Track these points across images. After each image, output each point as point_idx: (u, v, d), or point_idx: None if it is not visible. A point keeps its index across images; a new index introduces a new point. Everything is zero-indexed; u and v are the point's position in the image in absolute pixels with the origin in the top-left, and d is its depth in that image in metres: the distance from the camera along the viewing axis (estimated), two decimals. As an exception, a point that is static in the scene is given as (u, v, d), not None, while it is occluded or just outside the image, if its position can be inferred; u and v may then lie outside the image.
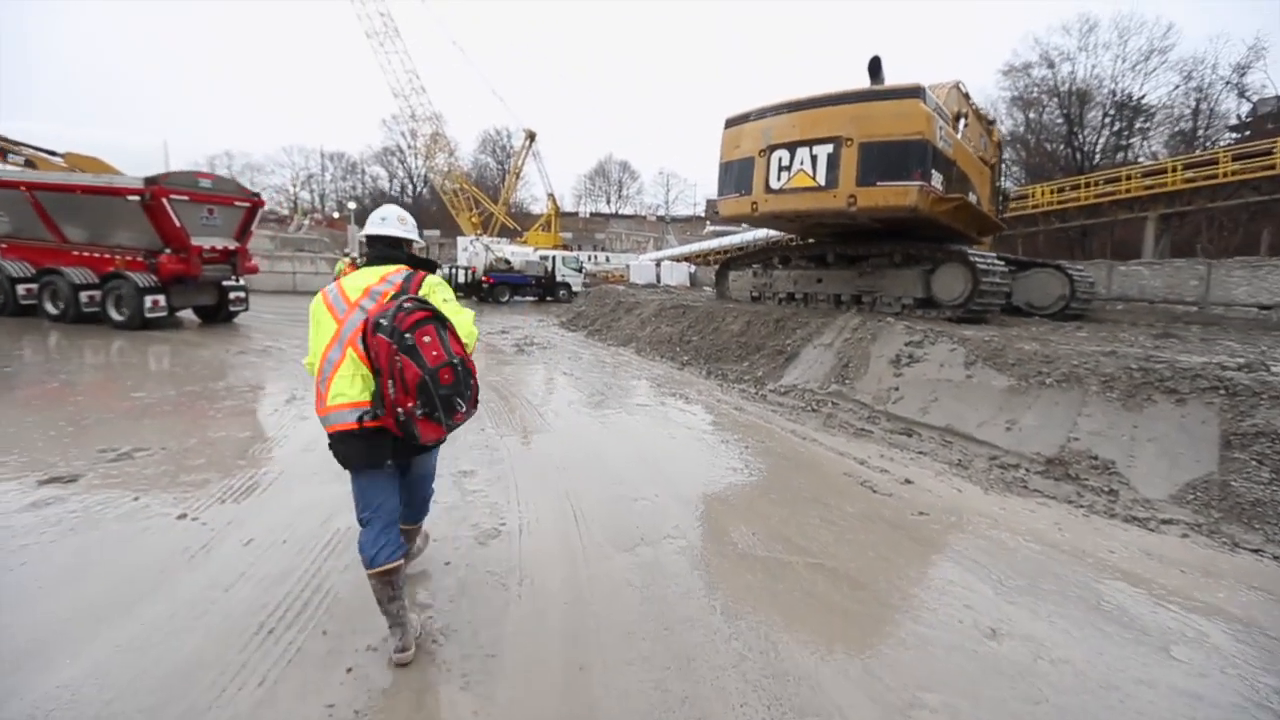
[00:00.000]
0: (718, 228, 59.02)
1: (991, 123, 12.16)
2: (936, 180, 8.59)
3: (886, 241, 10.49)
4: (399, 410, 2.12)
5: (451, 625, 2.55)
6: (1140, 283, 13.26)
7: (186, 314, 14.00)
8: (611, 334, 13.65)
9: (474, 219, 49.34)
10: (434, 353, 2.16)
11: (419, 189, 76.22)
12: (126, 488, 3.94)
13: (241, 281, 14.24)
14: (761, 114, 9.93)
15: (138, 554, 3.09)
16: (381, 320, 2.14)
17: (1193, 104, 36.63)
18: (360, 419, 2.21)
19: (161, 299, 12.06)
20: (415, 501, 2.86)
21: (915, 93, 8.53)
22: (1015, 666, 2.43)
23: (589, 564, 3.15)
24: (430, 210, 69.22)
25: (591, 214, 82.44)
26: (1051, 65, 38.42)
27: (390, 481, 2.45)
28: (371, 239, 2.63)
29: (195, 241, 12.29)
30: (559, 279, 28.32)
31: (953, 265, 9.50)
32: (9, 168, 13.38)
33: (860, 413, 6.63)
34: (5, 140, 13.86)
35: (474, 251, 27.36)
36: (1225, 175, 22.11)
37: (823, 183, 9.09)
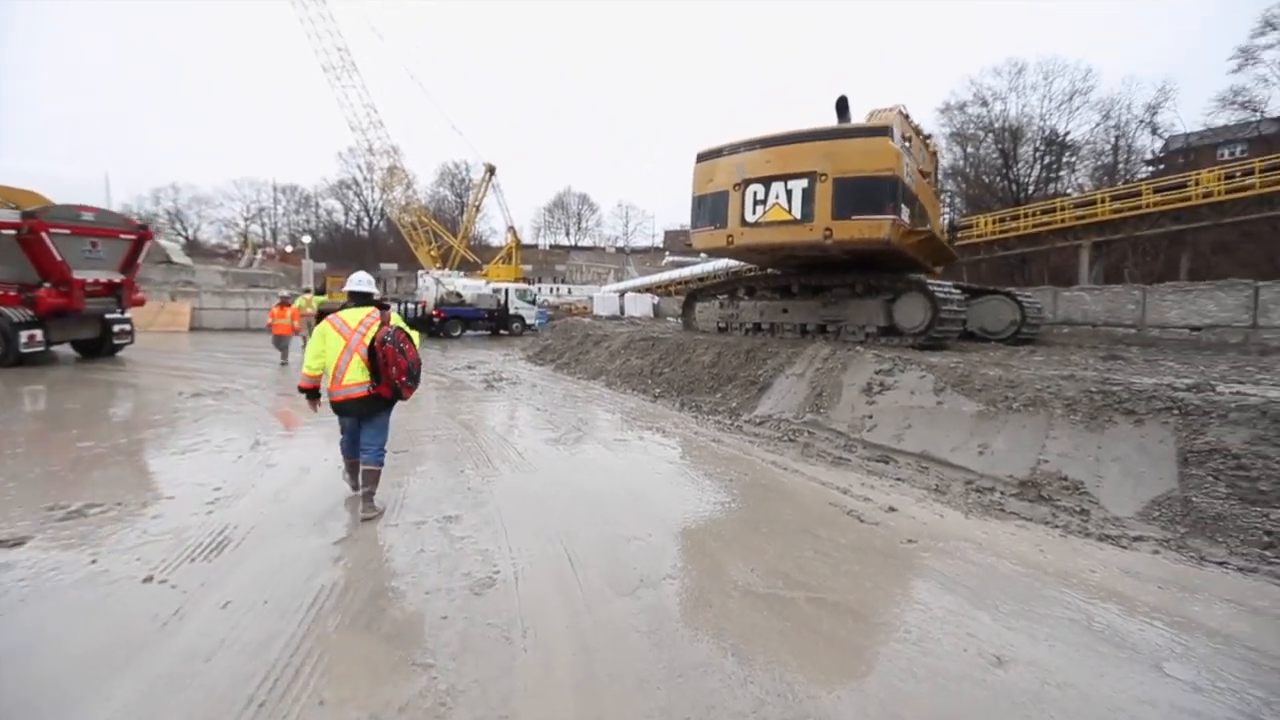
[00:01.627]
0: (677, 258, 59.92)
1: (928, 136, 12.72)
2: (905, 214, 9.00)
3: (849, 272, 10.85)
4: (396, 382, 4.27)
5: (457, 686, 2.43)
6: (1083, 307, 14.03)
7: (65, 349, 13.79)
8: (581, 367, 13.59)
9: (433, 252, 48.82)
10: (413, 354, 4.41)
11: (375, 222, 75.19)
12: (82, 549, 3.67)
13: (128, 314, 14.11)
14: (734, 149, 10.18)
15: (102, 625, 2.86)
16: (386, 338, 4.26)
17: (1112, 140, 39.69)
18: (367, 390, 4.30)
19: (39, 334, 11.81)
20: (372, 444, 4.48)
21: (883, 131, 9.00)
22: (1025, 694, 2.47)
23: (591, 610, 3.07)
24: (387, 244, 68.22)
25: (551, 246, 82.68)
26: (985, 104, 41.10)
27: (356, 425, 4.51)
28: (352, 294, 4.68)
29: (78, 275, 12.27)
30: (512, 312, 27.99)
31: (913, 295, 9.87)
32: None
33: (837, 441, 6.75)
34: None
35: (424, 285, 26.93)
36: (1148, 206, 23.86)
37: (799, 216, 9.37)
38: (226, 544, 3.82)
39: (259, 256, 57.90)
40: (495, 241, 64.55)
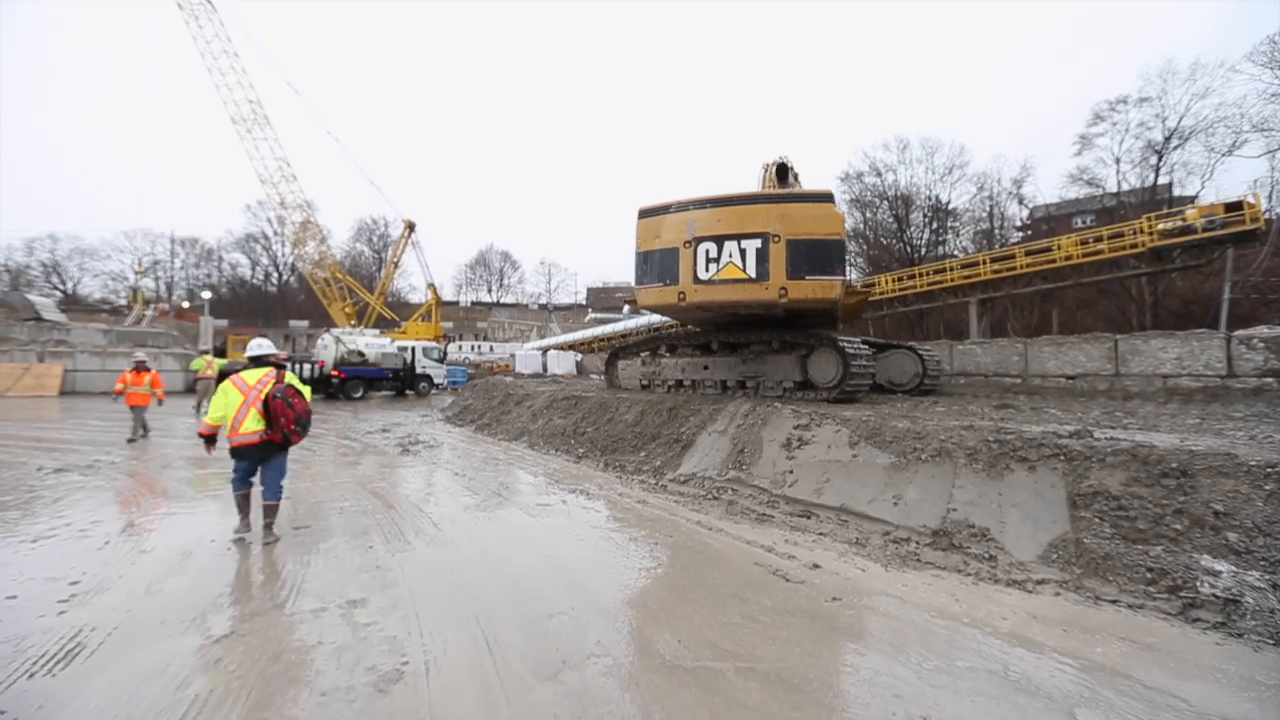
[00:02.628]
0: (600, 315, 60.57)
1: (796, 174, 13.60)
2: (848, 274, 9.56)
3: (765, 329, 11.28)
4: (285, 430, 5.19)
5: (352, 808, 2.14)
6: (976, 359, 15.22)
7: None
8: (502, 428, 13.20)
9: (347, 309, 46.90)
10: (301, 406, 5.31)
11: (286, 278, 71.70)
12: (-115, 672, 3.04)
13: None
14: (683, 207, 10.31)
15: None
16: (277, 394, 5.18)
17: (988, 208, 44.53)
18: (259, 437, 5.19)
19: None
20: (272, 483, 5.40)
21: (828, 198, 9.66)
22: (952, 757, 2.46)
23: (510, 701, 2.83)
24: (298, 300, 65.02)
25: (473, 303, 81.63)
26: (879, 174, 45.24)
27: (251, 467, 5.36)
28: (251, 358, 5.59)
29: None
30: (420, 371, 26.85)
31: (826, 351, 10.36)
32: None
33: (760, 498, 6.80)
34: None
35: (323, 344, 25.23)
36: (1021, 267, 26.62)
37: (754, 275, 9.61)
38: (79, 652, 3.28)
39: (150, 313, 53.39)
40: (415, 298, 63.07)
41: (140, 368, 11.66)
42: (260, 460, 5.31)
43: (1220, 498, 4.49)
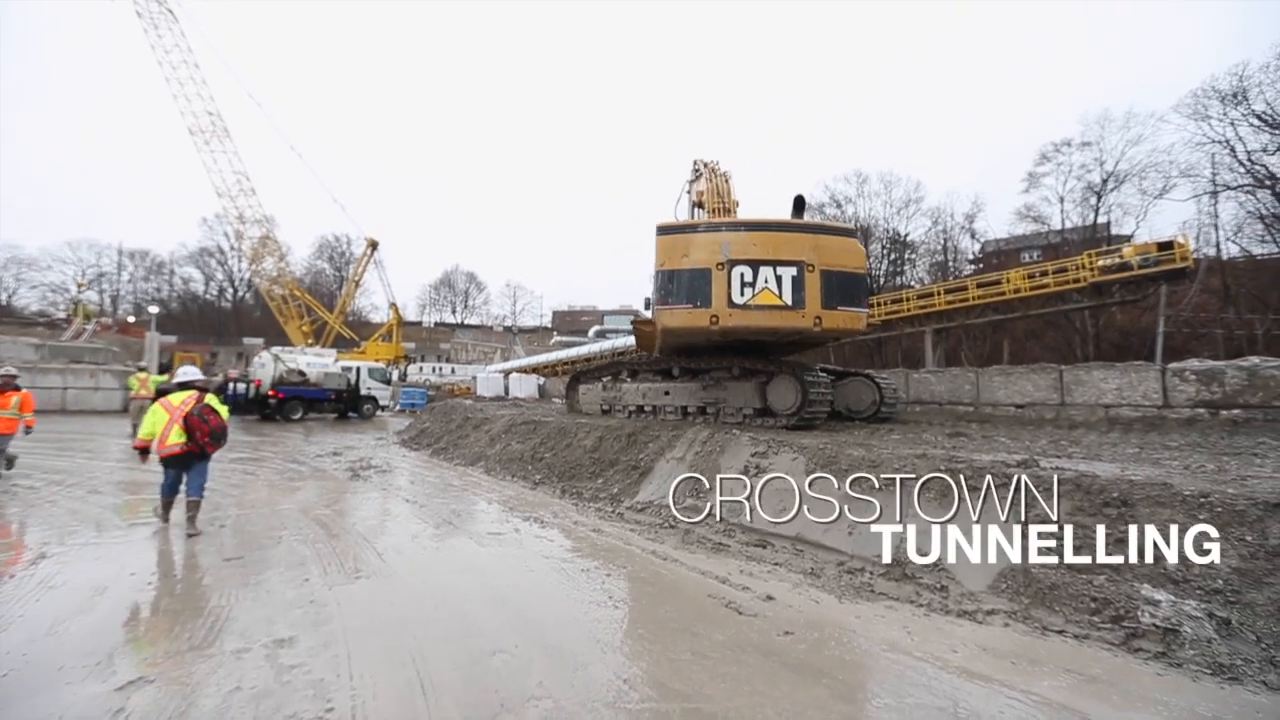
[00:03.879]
0: (565, 339, 60.28)
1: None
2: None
3: (725, 356, 11.33)
4: (201, 441, 6.32)
5: None
6: (930, 388, 15.61)
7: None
8: (459, 452, 12.86)
9: (304, 328, 45.70)
10: (215, 421, 6.44)
11: (241, 294, 69.55)
12: None
13: None
14: (713, 227, 10.07)
15: None
16: (194, 411, 6.34)
17: (942, 241, 46.29)
18: (181, 448, 6.26)
19: None
20: (194, 485, 6.41)
21: (854, 233, 10.18)
22: (899, 803, 2.38)
23: (439, 751, 2.65)
24: (254, 316, 63.05)
25: (437, 324, 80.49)
26: (839, 206, 46.62)
27: (178, 475, 6.43)
28: (180, 383, 6.71)
29: None
30: (364, 392, 25.45)
31: (785, 378, 10.44)
32: None
33: (716, 526, 6.72)
34: None
35: (260, 362, 23.80)
36: (974, 299, 27.61)
37: (790, 302, 9.46)
38: (-41, 704, 2.96)
39: (91, 327, 50.88)
40: (377, 318, 61.78)
41: (6, 386, 9.11)
42: (184, 468, 6.43)
43: (1158, 527, 4.61)
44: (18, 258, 63.22)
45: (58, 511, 7.24)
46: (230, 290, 70.72)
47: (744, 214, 11.73)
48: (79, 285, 62.20)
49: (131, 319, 59.56)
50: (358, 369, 26.24)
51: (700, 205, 12.56)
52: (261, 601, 4.49)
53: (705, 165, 13.04)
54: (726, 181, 12.42)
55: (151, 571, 5.11)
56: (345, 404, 24.30)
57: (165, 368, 30.15)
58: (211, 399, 6.60)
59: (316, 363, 25.29)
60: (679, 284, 9.87)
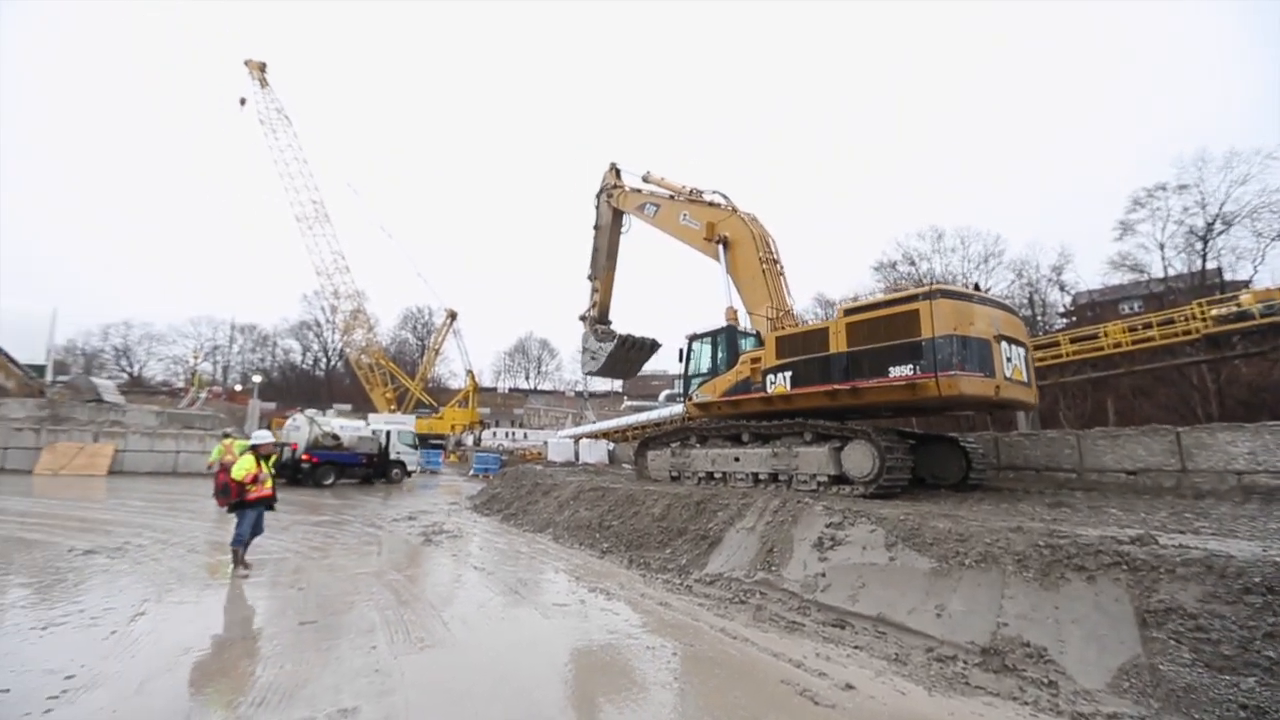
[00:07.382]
0: (635, 403, 60.56)
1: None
2: None
3: (796, 419, 10.97)
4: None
5: None
6: (1024, 452, 14.39)
7: None
8: (528, 519, 12.91)
9: (388, 394, 48.38)
10: (223, 478, 8.04)
11: (333, 363, 74.72)
12: None
13: None
14: (982, 300, 10.58)
15: None
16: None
17: (1028, 295, 43.77)
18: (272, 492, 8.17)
19: None
20: (259, 527, 7.98)
21: (1017, 311, 10.55)
22: None
23: None
24: (343, 384, 67.34)
25: (510, 389, 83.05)
26: (913, 263, 45.32)
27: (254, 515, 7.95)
28: (250, 445, 8.13)
29: None
30: (394, 456, 25.06)
31: (860, 443, 9.94)
32: None
33: (790, 603, 6.31)
34: None
35: (295, 425, 23.43)
36: (1067, 355, 25.72)
37: (1025, 380, 10.48)
38: (50, 764, 3.10)
39: (203, 395, 56.02)
40: (455, 384, 64.55)
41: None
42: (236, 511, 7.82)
43: (1318, 621, 3.92)
44: (151, 334, 71.22)
45: (160, 570, 7.73)
46: (324, 360, 76.23)
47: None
48: (194, 357, 69.03)
49: (239, 387, 65.04)
50: (387, 433, 25.97)
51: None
52: (330, 668, 4.54)
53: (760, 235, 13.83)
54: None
55: (234, 632, 5.31)
56: (374, 469, 24.05)
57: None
58: (251, 461, 7.82)
59: (349, 426, 25.15)
60: (970, 350, 9.92)
